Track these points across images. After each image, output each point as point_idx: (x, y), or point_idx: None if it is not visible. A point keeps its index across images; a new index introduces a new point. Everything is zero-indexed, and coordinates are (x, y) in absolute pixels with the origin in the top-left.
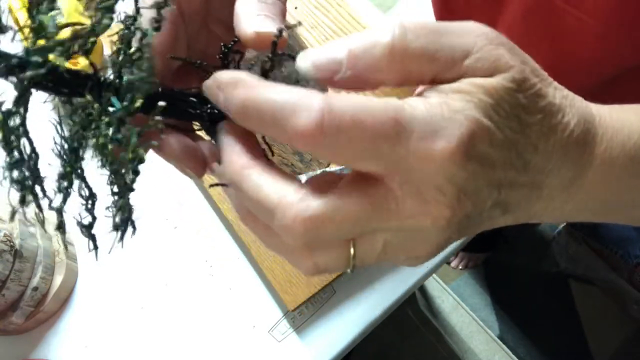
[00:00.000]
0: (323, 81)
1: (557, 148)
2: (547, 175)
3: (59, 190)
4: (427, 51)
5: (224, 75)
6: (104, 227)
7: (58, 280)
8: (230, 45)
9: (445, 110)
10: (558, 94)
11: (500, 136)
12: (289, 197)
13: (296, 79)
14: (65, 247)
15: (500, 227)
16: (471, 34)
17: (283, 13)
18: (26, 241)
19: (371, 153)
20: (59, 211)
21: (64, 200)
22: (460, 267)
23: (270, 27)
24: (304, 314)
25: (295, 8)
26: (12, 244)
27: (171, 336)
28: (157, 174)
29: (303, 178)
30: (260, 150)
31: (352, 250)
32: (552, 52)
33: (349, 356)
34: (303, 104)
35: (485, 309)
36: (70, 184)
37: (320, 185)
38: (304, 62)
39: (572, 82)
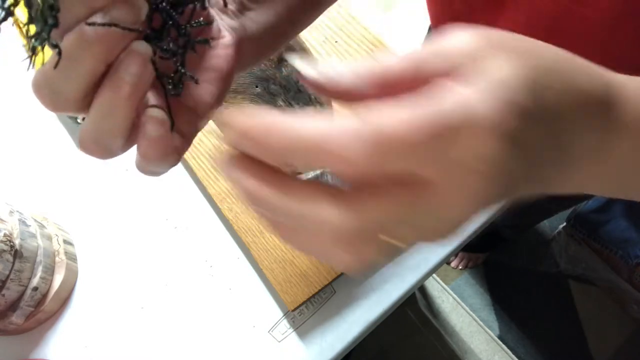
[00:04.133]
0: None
1: (580, 108)
2: (574, 141)
3: None
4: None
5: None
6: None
7: (58, 280)
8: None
9: (481, 105)
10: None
11: (532, 112)
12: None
13: (295, 81)
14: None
15: (505, 235)
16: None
17: None
18: (26, 241)
19: (422, 162)
20: None
21: None
22: (460, 267)
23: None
24: (304, 314)
25: None
26: (12, 244)
27: (171, 336)
28: None
29: (303, 178)
30: None
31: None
32: None
33: (349, 356)
34: (348, 135)
35: (485, 309)
36: None
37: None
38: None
39: None
